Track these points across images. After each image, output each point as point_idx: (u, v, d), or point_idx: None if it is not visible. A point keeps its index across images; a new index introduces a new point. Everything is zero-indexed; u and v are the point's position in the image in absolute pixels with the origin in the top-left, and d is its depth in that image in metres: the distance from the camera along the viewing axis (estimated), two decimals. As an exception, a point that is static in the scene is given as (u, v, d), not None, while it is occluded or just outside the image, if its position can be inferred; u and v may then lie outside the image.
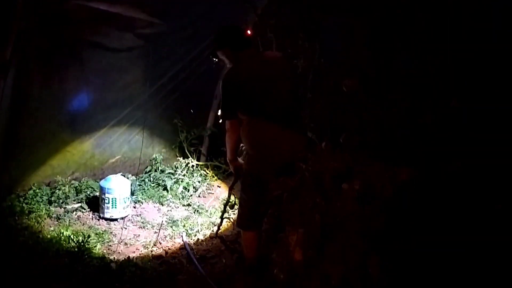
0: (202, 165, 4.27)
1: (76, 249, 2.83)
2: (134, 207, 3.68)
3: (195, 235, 3.31)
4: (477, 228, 1.87)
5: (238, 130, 2.41)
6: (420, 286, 1.86)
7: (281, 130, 2.34)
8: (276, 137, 2.34)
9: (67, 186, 3.61)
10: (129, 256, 2.90)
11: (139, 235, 3.26)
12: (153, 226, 3.40)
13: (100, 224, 3.36)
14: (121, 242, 3.12)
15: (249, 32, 2.48)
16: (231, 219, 3.13)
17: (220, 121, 2.54)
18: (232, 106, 2.39)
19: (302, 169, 1.92)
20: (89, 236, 3.03)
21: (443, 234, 1.89)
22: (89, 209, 3.52)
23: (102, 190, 3.42)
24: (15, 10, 2.96)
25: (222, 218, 3.09)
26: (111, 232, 3.25)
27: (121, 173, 3.87)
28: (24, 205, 3.32)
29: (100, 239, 3.09)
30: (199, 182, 4.08)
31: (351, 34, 2.52)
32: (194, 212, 3.67)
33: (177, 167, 4.17)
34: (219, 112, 2.51)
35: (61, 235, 3.02)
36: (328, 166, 1.88)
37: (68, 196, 3.55)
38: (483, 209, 1.90)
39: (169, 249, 3.10)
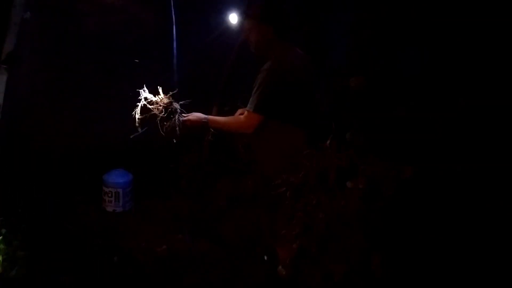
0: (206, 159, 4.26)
1: (78, 243, 2.85)
2: (138, 201, 3.68)
3: (200, 229, 3.32)
4: (479, 226, 1.87)
5: (252, 131, 2.20)
6: (423, 285, 1.86)
7: (305, 137, 2.20)
8: (300, 145, 2.11)
9: (70, 178, 3.61)
10: (131, 251, 2.91)
11: (141, 229, 3.26)
12: (156, 221, 3.40)
13: (102, 218, 3.37)
14: (124, 236, 3.13)
15: None
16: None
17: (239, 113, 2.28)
18: (277, 103, 2.11)
19: (306, 166, 1.92)
20: (91, 230, 3.04)
21: (446, 233, 1.89)
22: (91, 202, 3.52)
23: (105, 183, 3.42)
24: (19, 1, 2.95)
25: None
26: (114, 226, 3.25)
27: (125, 166, 3.87)
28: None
29: (102, 233, 3.09)
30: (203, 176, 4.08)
31: (356, 31, 2.51)
32: (197, 207, 3.67)
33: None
34: (254, 104, 2.13)
35: (64, 228, 3.03)
36: (333, 163, 1.88)
37: (71, 188, 3.56)
38: (486, 207, 1.91)
39: (172, 244, 3.10)
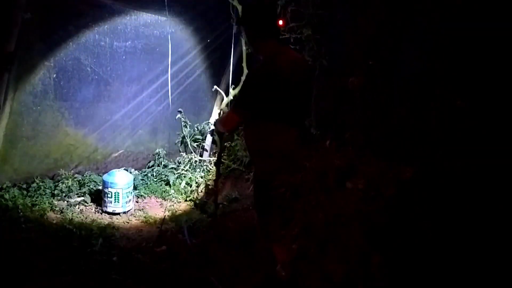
0: (204, 160, 4.27)
1: (78, 243, 2.85)
2: (137, 202, 3.69)
3: (198, 230, 3.32)
4: (479, 226, 1.86)
5: (229, 129, 2.34)
6: (423, 286, 1.85)
7: (295, 137, 2.19)
8: (290, 145, 2.14)
9: (70, 179, 3.62)
10: (131, 251, 2.90)
11: (141, 230, 3.26)
12: (155, 221, 3.40)
13: (102, 218, 3.37)
14: (123, 236, 3.13)
15: (281, 22, 2.14)
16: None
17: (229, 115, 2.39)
18: (256, 106, 2.11)
19: (305, 166, 1.91)
20: (91, 230, 3.04)
21: (447, 234, 1.88)
22: (91, 203, 3.53)
23: (105, 184, 3.42)
24: (19, 1, 2.95)
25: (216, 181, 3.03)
26: (114, 226, 3.25)
27: (124, 167, 3.88)
28: (27, 198, 3.33)
29: (102, 233, 3.09)
30: (201, 177, 4.09)
31: (356, 30, 2.50)
32: (197, 208, 3.68)
33: (180, 162, 4.18)
34: (233, 104, 2.30)
35: (64, 228, 3.03)
36: (332, 164, 1.87)
37: (71, 189, 3.56)
38: (486, 207, 1.89)
39: (171, 244, 3.10)
